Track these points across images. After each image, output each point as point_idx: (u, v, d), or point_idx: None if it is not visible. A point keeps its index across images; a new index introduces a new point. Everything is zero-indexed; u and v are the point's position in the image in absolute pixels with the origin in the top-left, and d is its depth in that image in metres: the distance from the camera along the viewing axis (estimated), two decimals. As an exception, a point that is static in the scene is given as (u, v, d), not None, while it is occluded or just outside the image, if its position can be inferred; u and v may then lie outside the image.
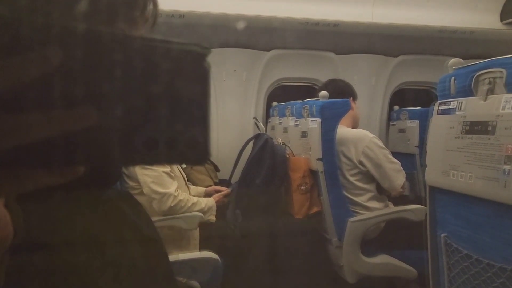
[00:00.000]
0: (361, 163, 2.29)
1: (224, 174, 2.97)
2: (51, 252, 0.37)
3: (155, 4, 0.46)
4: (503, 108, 1.14)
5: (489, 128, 1.18)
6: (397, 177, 2.30)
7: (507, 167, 1.10)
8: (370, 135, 2.34)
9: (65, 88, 0.23)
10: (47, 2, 0.35)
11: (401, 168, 2.34)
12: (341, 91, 2.51)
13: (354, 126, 2.52)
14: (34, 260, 0.35)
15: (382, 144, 2.34)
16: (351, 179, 2.34)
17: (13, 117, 0.22)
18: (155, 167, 1.95)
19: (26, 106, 0.23)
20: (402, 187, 2.34)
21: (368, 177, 2.34)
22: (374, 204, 2.34)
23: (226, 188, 2.50)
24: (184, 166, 2.39)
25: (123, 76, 0.24)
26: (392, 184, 2.30)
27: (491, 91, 1.21)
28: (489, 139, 1.18)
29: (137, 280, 0.45)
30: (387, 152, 2.32)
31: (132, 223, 0.50)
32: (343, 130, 2.36)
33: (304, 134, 2.49)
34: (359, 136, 2.34)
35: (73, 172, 0.26)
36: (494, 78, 1.21)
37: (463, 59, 1.40)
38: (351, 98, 2.50)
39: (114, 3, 0.40)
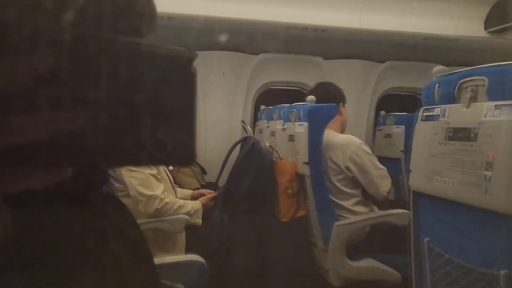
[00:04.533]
0: (348, 168, 2.31)
1: (211, 177, 2.96)
2: (34, 255, 0.37)
3: (154, 13, 0.46)
4: (485, 116, 1.16)
5: (472, 135, 1.20)
6: (383, 183, 2.32)
7: (488, 173, 1.12)
8: (358, 141, 2.36)
9: (52, 90, 0.23)
10: (38, 8, 0.36)
11: (387, 174, 2.37)
12: (331, 95, 2.51)
13: (342, 131, 2.54)
14: (17, 263, 0.35)
15: (369, 150, 2.36)
16: (337, 184, 2.35)
17: (1, 118, 0.22)
18: (141, 169, 1.94)
19: (13, 108, 0.23)
20: (388, 192, 2.36)
21: (354, 182, 2.35)
22: (359, 208, 2.36)
23: (213, 191, 2.50)
24: (170, 168, 2.38)
25: (109, 79, 0.25)
26: (378, 190, 2.32)
27: (473, 99, 1.24)
28: (471, 145, 1.20)
29: (121, 284, 0.45)
30: (374, 159, 2.34)
31: (117, 226, 0.50)
32: (331, 134, 2.37)
33: (291, 138, 2.50)
34: (347, 141, 2.35)
35: (59, 173, 0.26)
36: (476, 86, 1.23)
37: (448, 66, 1.43)
38: (341, 103, 2.52)
39: (124, 14, 0.40)
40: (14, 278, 0.34)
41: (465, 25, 3.13)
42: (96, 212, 0.48)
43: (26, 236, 0.36)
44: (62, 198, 0.41)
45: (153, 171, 1.99)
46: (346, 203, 2.35)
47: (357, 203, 2.36)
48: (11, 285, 0.34)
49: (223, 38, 2.72)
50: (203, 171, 2.94)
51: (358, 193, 2.37)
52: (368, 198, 2.43)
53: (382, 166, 2.35)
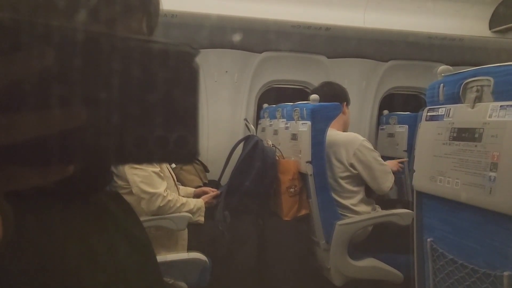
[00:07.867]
0: (352, 165, 2.31)
1: (213, 175, 2.97)
2: (39, 254, 0.36)
3: (156, 15, 0.46)
4: (490, 116, 1.16)
5: (476, 135, 1.20)
6: (386, 179, 2.34)
7: (492, 174, 1.12)
8: (361, 137, 2.36)
9: (54, 88, 0.23)
10: (43, 5, 0.35)
11: (390, 170, 2.38)
12: (336, 94, 2.52)
13: (344, 130, 2.54)
14: (22, 262, 0.35)
15: (371, 147, 2.37)
16: (341, 182, 2.35)
17: (3, 116, 0.22)
18: (144, 167, 1.94)
19: (16, 105, 0.23)
20: (390, 189, 2.37)
21: (357, 180, 2.36)
22: (362, 207, 2.36)
23: (215, 189, 2.50)
24: (173, 166, 2.38)
25: (111, 76, 0.24)
26: (381, 186, 2.33)
27: (478, 99, 1.23)
28: (475, 146, 1.19)
29: (124, 281, 0.45)
30: (376, 155, 2.35)
31: (121, 224, 0.50)
32: (334, 133, 2.37)
33: (294, 137, 2.50)
34: (350, 139, 2.36)
35: (62, 171, 0.26)
36: (482, 86, 1.23)
37: (452, 65, 1.42)
38: (345, 103, 2.52)
39: (111, 15, 0.40)
40: (17, 278, 0.34)
41: (470, 24, 3.12)
42: (101, 211, 0.48)
43: (29, 235, 0.36)
44: (67, 197, 0.41)
45: (156, 168, 2.00)
46: (349, 202, 2.35)
47: (360, 202, 2.36)
48: (14, 284, 0.34)
49: (233, 26, 2.70)
50: (206, 169, 2.94)
51: (361, 191, 2.38)
52: (371, 197, 2.43)
53: (384, 162, 2.37)
